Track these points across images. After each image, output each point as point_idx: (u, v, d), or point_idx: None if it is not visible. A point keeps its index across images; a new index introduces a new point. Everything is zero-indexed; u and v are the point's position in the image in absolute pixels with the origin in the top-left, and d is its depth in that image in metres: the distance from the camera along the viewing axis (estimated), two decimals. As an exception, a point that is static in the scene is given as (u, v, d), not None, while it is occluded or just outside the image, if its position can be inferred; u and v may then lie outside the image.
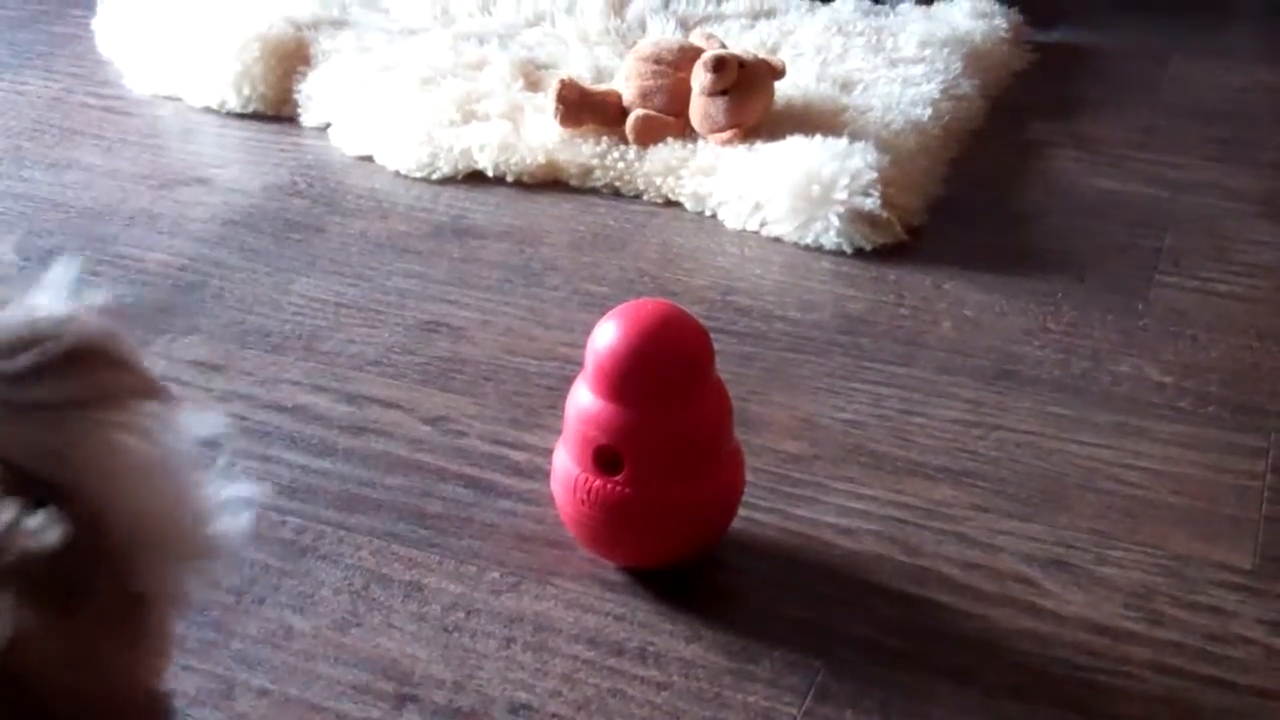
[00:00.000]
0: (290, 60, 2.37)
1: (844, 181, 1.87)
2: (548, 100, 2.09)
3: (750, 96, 2.03)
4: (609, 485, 1.24)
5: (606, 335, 1.24)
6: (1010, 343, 1.66)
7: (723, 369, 1.33)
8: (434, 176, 2.10)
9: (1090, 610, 1.24)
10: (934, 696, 1.15)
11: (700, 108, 2.04)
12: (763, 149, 1.99)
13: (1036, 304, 1.75)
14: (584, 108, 2.08)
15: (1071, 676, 1.17)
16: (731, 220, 1.95)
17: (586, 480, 1.24)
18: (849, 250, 1.86)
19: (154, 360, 1.67)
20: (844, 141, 1.94)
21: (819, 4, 2.61)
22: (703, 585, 1.28)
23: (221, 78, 2.36)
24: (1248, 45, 2.73)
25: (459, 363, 1.63)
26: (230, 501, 0.78)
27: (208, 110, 2.39)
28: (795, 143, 1.97)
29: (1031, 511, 1.37)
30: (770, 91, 2.09)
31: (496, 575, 1.29)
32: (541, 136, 2.09)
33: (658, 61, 2.09)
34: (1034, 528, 1.34)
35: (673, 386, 1.23)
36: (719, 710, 1.14)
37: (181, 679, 1.15)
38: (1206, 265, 1.84)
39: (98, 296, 0.74)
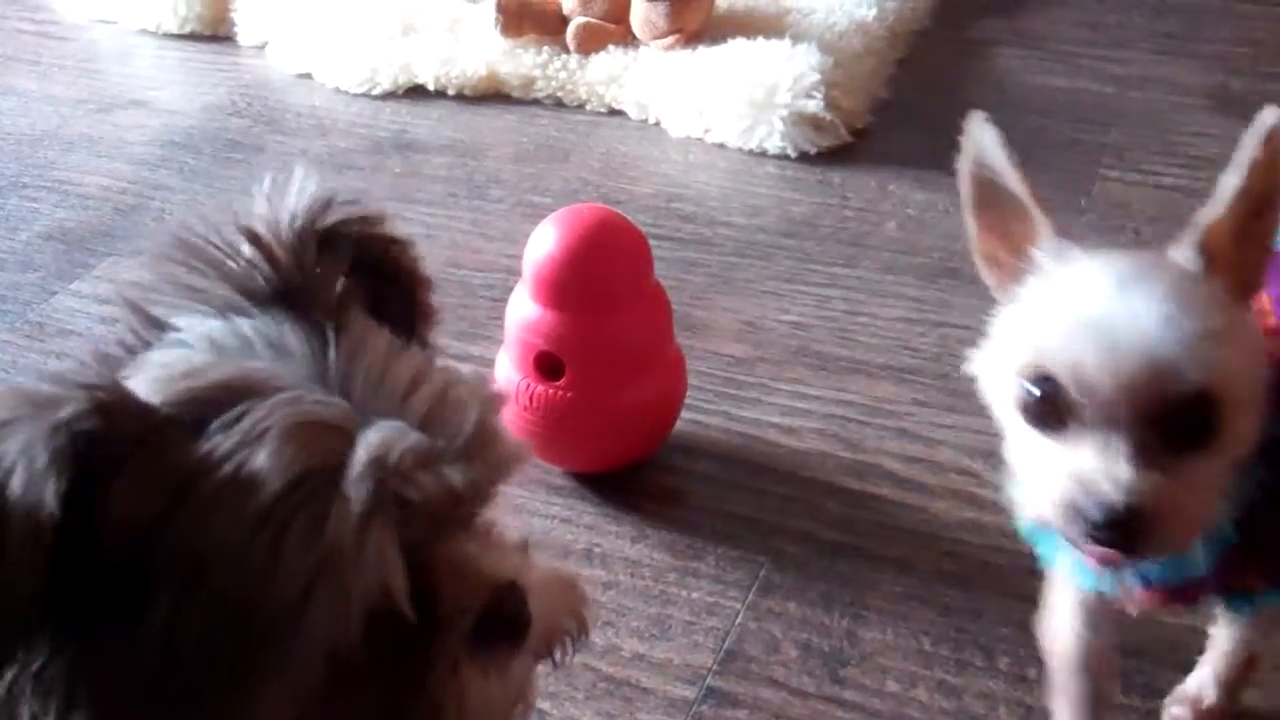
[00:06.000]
0: (226, -23, 2.33)
1: (787, 84, 1.85)
2: (488, 10, 2.06)
3: (691, 0, 2.00)
4: (550, 391, 1.24)
5: (544, 242, 1.24)
6: (954, 241, 1.66)
7: (667, 276, 1.34)
8: (374, 92, 2.07)
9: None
10: (876, 586, 1.16)
11: (641, 13, 2.02)
12: (705, 54, 1.97)
13: (980, 202, 1.75)
14: (525, 16, 2.06)
15: (1011, 564, 1.18)
16: (675, 128, 1.93)
17: (529, 386, 1.25)
18: (793, 154, 1.85)
19: (95, 284, 1.65)
20: (787, 44, 1.93)
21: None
22: (647, 487, 1.29)
23: (156, -2, 2.32)
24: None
25: (403, 277, 1.62)
26: None
27: (144, 32, 2.35)
28: (738, 46, 1.95)
29: (973, 405, 1.37)
30: (712, -5, 2.06)
31: (443, 484, 1.29)
32: (482, 48, 2.07)
33: (597, -33, 2.06)
34: (975, 421, 1.35)
35: (610, 290, 1.23)
36: (665, 606, 1.16)
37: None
38: (1150, 159, 1.84)
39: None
